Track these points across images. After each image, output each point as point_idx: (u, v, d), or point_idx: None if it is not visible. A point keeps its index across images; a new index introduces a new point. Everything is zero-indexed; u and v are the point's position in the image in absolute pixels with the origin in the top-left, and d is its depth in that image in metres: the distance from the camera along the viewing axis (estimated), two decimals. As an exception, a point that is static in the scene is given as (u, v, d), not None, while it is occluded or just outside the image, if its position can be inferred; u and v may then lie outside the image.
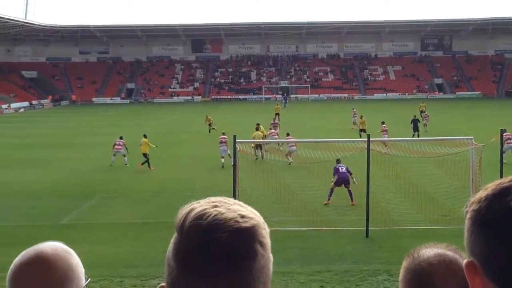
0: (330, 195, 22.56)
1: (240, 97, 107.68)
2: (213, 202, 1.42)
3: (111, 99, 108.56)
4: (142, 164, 31.99)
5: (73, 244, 1.68)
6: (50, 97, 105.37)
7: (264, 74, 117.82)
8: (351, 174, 23.09)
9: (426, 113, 51.28)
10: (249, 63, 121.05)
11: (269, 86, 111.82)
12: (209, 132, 47.44)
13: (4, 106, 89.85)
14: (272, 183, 23.41)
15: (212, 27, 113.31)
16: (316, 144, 30.00)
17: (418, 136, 39.74)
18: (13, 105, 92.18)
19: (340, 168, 23.00)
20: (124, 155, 33.23)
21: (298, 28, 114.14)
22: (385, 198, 22.14)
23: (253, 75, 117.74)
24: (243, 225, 1.36)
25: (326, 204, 22.33)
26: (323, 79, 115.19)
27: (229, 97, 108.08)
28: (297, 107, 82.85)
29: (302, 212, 20.58)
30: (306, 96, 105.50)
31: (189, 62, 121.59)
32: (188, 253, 1.34)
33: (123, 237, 19.17)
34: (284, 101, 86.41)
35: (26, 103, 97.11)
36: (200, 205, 1.41)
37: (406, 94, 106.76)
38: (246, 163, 27.75)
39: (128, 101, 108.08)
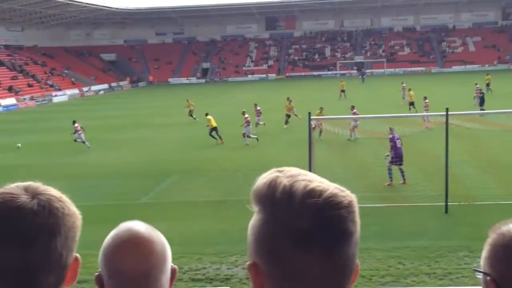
0: (391, 175, 21.36)
1: (315, 73, 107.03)
2: (298, 175, 1.41)
3: (187, 79, 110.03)
4: (219, 138, 34.00)
5: (152, 222, 1.72)
6: (128, 78, 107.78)
7: (339, 50, 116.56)
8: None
9: (478, 86, 45.72)
10: (323, 39, 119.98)
11: (344, 61, 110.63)
12: (194, 118, 44.69)
13: (85, 89, 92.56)
14: (347, 159, 23.24)
15: (285, 3, 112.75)
16: (392, 119, 29.56)
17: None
18: (93, 88, 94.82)
19: (397, 142, 21.66)
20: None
21: (372, 2, 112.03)
22: (465, 173, 21.62)
23: (327, 51, 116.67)
24: (349, 199, 1.38)
25: (388, 185, 21.37)
26: (399, 53, 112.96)
27: (303, 74, 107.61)
28: (372, 82, 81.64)
29: (379, 188, 20.37)
30: (382, 70, 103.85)
31: (263, 40, 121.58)
32: (305, 231, 1.32)
33: (201, 215, 19.49)
34: (361, 76, 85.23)
35: (105, 85, 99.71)
36: (292, 180, 1.38)
37: (487, 65, 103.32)
38: (323, 138, 27.70)
39: (203, 80, 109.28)
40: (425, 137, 27.95)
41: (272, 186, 1.38)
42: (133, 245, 1.63)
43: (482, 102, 40.95)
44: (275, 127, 39.08)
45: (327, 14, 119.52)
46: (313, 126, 24.03)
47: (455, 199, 18.25)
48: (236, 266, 14.78)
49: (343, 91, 58.01)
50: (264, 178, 1.43)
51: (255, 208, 1.43)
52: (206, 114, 35.52)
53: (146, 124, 44.50)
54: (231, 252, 15.68)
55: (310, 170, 15.69)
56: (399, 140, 21.80)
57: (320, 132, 31.09)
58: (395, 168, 21.58)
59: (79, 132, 34.33)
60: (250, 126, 33.44)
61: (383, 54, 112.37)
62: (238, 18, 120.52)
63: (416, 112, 39.70)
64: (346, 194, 1.38)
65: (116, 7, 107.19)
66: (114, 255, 1.63)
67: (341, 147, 28.84)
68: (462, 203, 18.42)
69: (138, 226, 1.69)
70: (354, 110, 33.03)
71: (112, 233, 1.68)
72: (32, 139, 39.66)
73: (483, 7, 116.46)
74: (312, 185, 1.37)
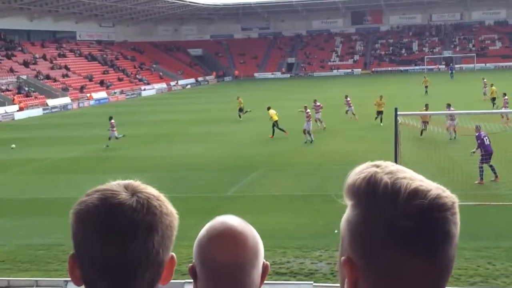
0: (482, 173, 20.84)
1: (401, 68, 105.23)
2: (398, 171, 1.39)
3: (272, 74, 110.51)
4: (281, 130, 34.90)
5: (237, 214, 1.81)
6: (214, 73, 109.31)
7: (427, 45, 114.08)
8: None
9: None
10: (411, 33, 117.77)
11: (432, 56, 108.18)
12: (240, 117, 44.17)
13: (172, 83, 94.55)
14: (434, 155, 22.84)
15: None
16: (483, 116, 28.83)
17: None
18: (181, 82, 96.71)
19: (485, 139, 21.11)
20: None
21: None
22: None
23: (415, 46, 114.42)
24: (452, 200, 1.36)
25: (478, 183, 20.88)
26: (489, 48, 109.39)
27: (389, 69, 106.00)
28: (462, 77, 79.51)
29: (467, 186, 19.93)
30: (471, 65, 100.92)
31: (348, 35, 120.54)
32: (409, 231, 1.31)
33: (286, 209, 19.65)
34: (450, 71, 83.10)
35: (192, 80, 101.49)
36: (393, 177, 1.36)
37: None
38: (406, 136, 27.27)
39: (288, 75, 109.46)
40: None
41: (372, 182, 1.36)
42: (228, 237, 1.66)
43: None
44: (362, 122, 38.79)
45: (415, 8, 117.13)
46: (399, 122, 23.74)
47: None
48: (320, 261, 14.84)
49: (426, 87, 57.09)
50: (361, 173, 1.39)
51: (348, 202, 1.40)
52: (268, 108, 36.15)
53: (232, 117, 45.06)
54: (315, 246, 15.75)
55: (396, 162, 15.56)
56: (486, 138, 21.32)
57: (422, 131, 30.79)
58: (486, 166, 21.11)
59: (114, 129, 34.99)
60: (311, 122, 33.26)
61: (473, 48, 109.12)
62: (324, 13, 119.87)
63: (497, 108, 38.60)
64: (448, 194, 1.37)
65: (203, 2, 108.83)
66: (209, 247, 1.66)
67: (428, 143, 28.33)
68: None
69: (233, 220, 1.72)
70: (452, 108, 31.96)
71: (207, 226, 1.72)
72: (121, 132, 40.94)
73: None
74: (415, 184, 1.35)
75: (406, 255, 1.32)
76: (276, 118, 35.15)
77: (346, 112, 40.44)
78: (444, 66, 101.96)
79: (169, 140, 35.89)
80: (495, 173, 20.97)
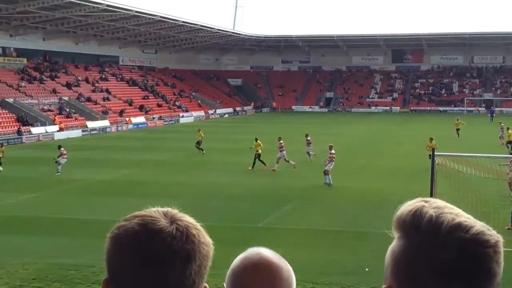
0: None
1: (440, 108, 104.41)
2: (445, 207, 1.43)
3: (310, 107, 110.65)
4: (262, 162, 35.37)
5: (268, 246, 1.84)
6: (252, 104, 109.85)
7: (467, 86, 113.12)
8: None
9: None
10: (451, 74, 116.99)
11: (472, 98, 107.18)
12: (201, 150, 43.01)
13: (210, 112, 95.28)
14: (471, 198, 22.51)
15: (413, 37, 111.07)
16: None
17: None
18: (219, 111, 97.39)
19: None
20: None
21: (505, 38, 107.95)
22: None
23: (455, 87, 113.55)
24: (496, 239, 1.38)
25: (508, 229, 20.14)
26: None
27: (428, 108, 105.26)
28: (502, 121, 78.49)
29: (502, 231, 19.58)
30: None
31: (388, 72, 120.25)
32: (449, 264, 1.34)
33: (317, 244, 19.54)
34: (490, 114, 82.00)
35: (230, 109, 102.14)
36: (438, 211, 1.41)
37: None
38: (443, 176, 27.02)
39: (326, 109, 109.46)
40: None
41: (418, 214, 1.40)
42: (263, 267, 1.66)
43: None
44: (397, 160, 38.50)
45: (456, 49, 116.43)
46: (436, 162, 23.58)
47: None
48: (349, 298, 14.71)
49: (458, 129, 55.29)
50: (409, 206, 1.45)
51: (396, 234, 1.46)
52: (256, 140, 36.62)
53: (267, 149, 45.12)
54: (344, 283, 15.62)
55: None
56: None
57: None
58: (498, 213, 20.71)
59: (64, 156, 34.84)
60: (333, 163, 30.94)
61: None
62: (364, 49, 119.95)
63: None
64: (493, 233, 1.38)
65: (245, 33, 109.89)
66: (243, 276, 1.65)
67: (465, 186, 27.98)
68: None
69: (267, 251, 1.72)
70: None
71: (242, 256, 1.71)
72: (158, 157, 41.34)
73: None
74: (459, 219, 1.38)
75: (445, 286, 1.33)
76: (260, 150, 35.78)
77: (308, 152, 39.03)
78: (484, 109, 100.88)
79: (204, 168, 36.10)
80: None
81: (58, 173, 33.87)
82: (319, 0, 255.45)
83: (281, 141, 37.00)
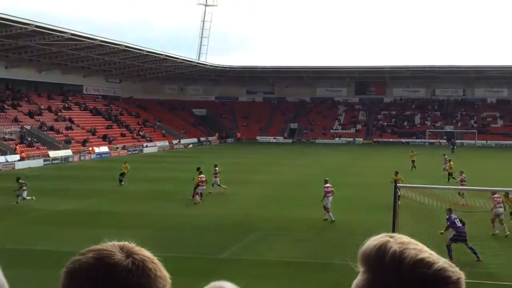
0: (450, 252, 20.10)
1: (403, 140, 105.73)
2: (409, 243, 1.44)
3: (275, 138, 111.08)
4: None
5: (231, 278, 1.80)
6: (217, 134, 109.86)
7: (429, 118, 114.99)
8: (464, 224, 21.58)
9: None
10: (413, 106, 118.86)
11: (433, 130, 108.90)
12: (121, 183, 42.13)
13: (174, 142, 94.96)
14: (433, 229, 22.68)
15: (376, 69, 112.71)
16: (480, 193, 28.88)
17: None
18: (183, 141, 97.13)
19: (456, 221, 21.37)
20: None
21: (466, 72, 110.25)
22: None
23: (417, 119, 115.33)
24: (458, 275, 1.39)
25: (478, 261, 20.48)
26: (491, 125, 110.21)
27: (391, 140, 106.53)
28: (462, 153, 79.83)
29: (463, 262, 19.73)
30: (473, 142, 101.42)
31: (352, 104, 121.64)
32: None
33: (280, 275, 19.43)
34: (451, 146, 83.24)
35: (194, 139, 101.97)
36: (402, 247, 1.41)
37: None
38: (405, 207, 27.25)
39: (290, 140, 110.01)
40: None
41: (382, 250, 1.41)
42: None
43: None
44: (362, 191, 38.71)
45: (418, 82, 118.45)
46: (399, 194, 23.82)
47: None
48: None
49: (413, 161, 55.56)
50: (374, 241, 1.45)
51: (360, 268, 1.46)
52: (198, 169, 36.48)
53: (232, 179, 45.06)
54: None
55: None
56: (457, 219, 21.58)
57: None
58: (456, 246, 20.94)
59: (24, 188, 34.11)
60: (331, 198, 29.18)
61: (475, 125, 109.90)
62: (329, 81, 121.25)
63: (452, 183, 39.54)
64: (455, 270, 1.39)
65: (210, 64, 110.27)
66: None
67: (427, 217, 28.21)
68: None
69: (229, 285, 1.72)
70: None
71: None
72: (120, 187, 40.92)
73: None
74: (423, 255, 1.38)
75: None
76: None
77: (213, 185, 38.59)
78: (445, 141, 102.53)
79: (166, 199, 35.81)
80: (476, 254, 20.67)
81: (17, 203, 33.20)
82: (285, 32, 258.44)
83: (217, 168, 39.03)
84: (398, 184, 23.55)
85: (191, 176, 36.46)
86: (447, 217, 21.96)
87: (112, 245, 1.54)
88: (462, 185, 34.50)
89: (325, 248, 22.27)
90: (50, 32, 67.72)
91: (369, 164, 60.22)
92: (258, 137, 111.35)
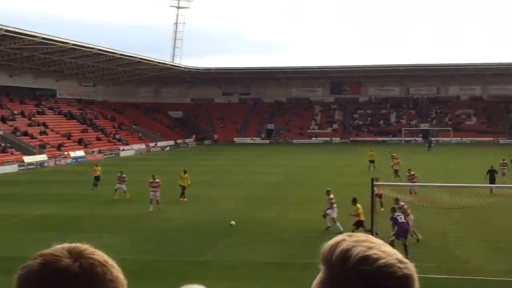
0: (407, 249, 20.01)
1: (379, 139, 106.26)
2: (364, 241, 1.42)
3: (252, 139, 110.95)
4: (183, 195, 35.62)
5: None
6: (193, 136, 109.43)
7: (404, 117, 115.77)
8: (409, 224, 21.77)
9: (505, 162, 45.35)
10: (388, 105, 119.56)
11: (409, 128, 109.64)
12: (95, 186, 41.47)
13: (151, 145, 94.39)
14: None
15: (350, 69, 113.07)
16: (456, 189, 29.03)
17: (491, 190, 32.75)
18: (160, 144, 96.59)
19: (398, 217, 21.52)
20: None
21: (439, 70, 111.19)
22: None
23: (393, 117, 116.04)
24: (405, 271, 1.37)
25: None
26: (465, 122, 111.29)
27: (367, 139, 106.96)
28: (438, 150, 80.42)
29: (442, 258, 19.78)
30: (448, 139, 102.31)
31: (328, 104, 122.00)
32: None
33: (261, 277, 19.29)
34: (428, 144, 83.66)
35: (171, 142, 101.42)
36: (353, 244, 1.40)
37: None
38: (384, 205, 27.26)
39: (267, 141, 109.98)
40: (490, 209, 27.21)
41: (333, 248, 1.42)
42: None
43: (492, 179, 38.44)
44: (338, 190, 38.70)
45: (393, 81, 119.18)
46: (375, 192, 23.90)
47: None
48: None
49: (372, 161, 53.59)
50: (332, 240, 1.46)
51: (320, 267, 1.47)
52: (185, 172, 36.81)
53: (210, 181, 44.88)
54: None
55: (372, 234, 15.40)
56: (400, 216, 21.69)
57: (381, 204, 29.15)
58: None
59: None
60: (336, 209, 27.53)
61: (449, 122, 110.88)
62: (304, 81, 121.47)
63: (399, 180, 39.93)
64: (405, 266, 1.36)
65: (185, 66, 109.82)
66: None
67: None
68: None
69: None
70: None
71: None
72: (96, 190, 40.50)
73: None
74: (370, 252, 1.37)
75: None
76: (184, 184, 36.06)
77: (116, 190, 37.65)
78: (421, 139, 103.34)
79: (144, 201, 35.47)
80: (406, 252, 20.47)
81: None
82: (260, 34, 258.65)
83: (124, 175, 37.97)
84: (375, 183, 23.55)
85: (169, 178, 36.19)
86: (391, 216, 21.98)
87: (61, 248, 1.49)
88: (412, 181, 35.14)
89: (305, 248, 22.15)
90: (21, 36, 66.91)
91: (347, 164, 60.37)
92: (235, 139, 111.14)
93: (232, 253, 22.65)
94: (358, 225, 24.52)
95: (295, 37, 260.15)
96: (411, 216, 23.67)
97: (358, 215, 24.96)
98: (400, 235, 21.07)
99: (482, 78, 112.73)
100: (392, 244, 20.00)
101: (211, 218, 29.90)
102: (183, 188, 36.16)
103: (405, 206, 24.01)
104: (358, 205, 25.31)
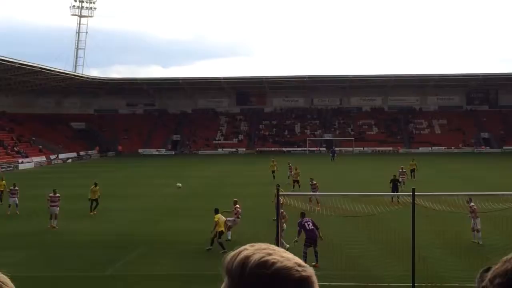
0: (305, 258, 19.43)
1: (284, 149, 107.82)
2: (264, 249, 1.45)
3: (157, 150, 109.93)
4: (94, 208, 35.04)
5: None
6: (97, 148, 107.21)
7: (308, 127, 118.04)
8: (318, 229, 21.60)
9: (404, 170, 47.24)
10: (293, 115, 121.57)
11: (313, 138, 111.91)
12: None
13: (52, 157, 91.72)
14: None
15: (255, 80, 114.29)
16: (361, 198, 29.74)
17: (398, 198, 32.43)
18: (61, 156, 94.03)
19: (306, 224, 21.43)
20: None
21: (342, 82, 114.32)
22: (432, 254, 21.65)
23: (297, 128, 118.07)
24: (303, 274, 1.38)
25: (315, 266, 19.45)
26: (367, 132, 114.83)
27: (273, 149, 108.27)
28: (341, 160, 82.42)
29: (346, 266, 20.24)
30: (350, 149, 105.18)
31: (233, 115, 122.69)
32: None
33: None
34: (331, 154, 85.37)
35: (74, 154, 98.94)
36: (253, 252, 1.43)
37: (452, 148, 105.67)
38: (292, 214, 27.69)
39: (173, 152, 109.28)
40: (394, 217, 28.07)
41: (234, 257, 1.45)
42: None
43: (395, 188, 39.50)
44: (247, 201, 38.91)
45: (297, 92, 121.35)
46: (281, 201, 24.12)
47: (422, 280, 18.20)
48: None
49: (273, 171, 53.78)
50: (234, 250, 1.49)
51: (223, 277, 1.50)
52: (96, 185, 36.10)
53: (113, 194, 44.06)
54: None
55: (277, 244, 15.56)
56: (308, 223, 21.60)
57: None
58: (310, 250, 21.14)
59: None
60: (238, 220, 27.57)
61: (352, 133, 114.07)
62: (209, 92, 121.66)
63: (299, 190, 40.96)
64: (303, 270, 1.38)
65: (88, 76, 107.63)
66: None
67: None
68: (429, 285, 18.37)
69: None
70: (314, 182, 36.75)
71: None
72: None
73: (448, 92, 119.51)
74: (268, 257, 1.39)
75: None
76: (97, 196, 35.43)
77: (9, 205, 36.81)
78: (325, 149, 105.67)
79: (44, 216, 34.37)
80: (316, 258, 20.74)
81: None
82: (164, 43, 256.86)
83: (17, 187, 37.26)
84: (280, 192, 23.79)
85: (72, 192, 35.25)
86: (298, 221, 21.94)
87: None
88: (313, 191, 35.74)
89: (211, 259, 22.13)
90: None
91: (253, 174, 60.85)
92: (140, 150, 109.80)
93: (137, 266, 22.31)
94: (220, 235, 24.54)
95: (203, 47, 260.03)
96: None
97: (218, 225, 24.91)
98: (307, 243, 21.07)
99: (382, 89, 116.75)
100: (305, 253, 20.20)
101: (115, 231, 29.37)
102: (93, 201, 35.24)
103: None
104: (218, 215, 25.29)
